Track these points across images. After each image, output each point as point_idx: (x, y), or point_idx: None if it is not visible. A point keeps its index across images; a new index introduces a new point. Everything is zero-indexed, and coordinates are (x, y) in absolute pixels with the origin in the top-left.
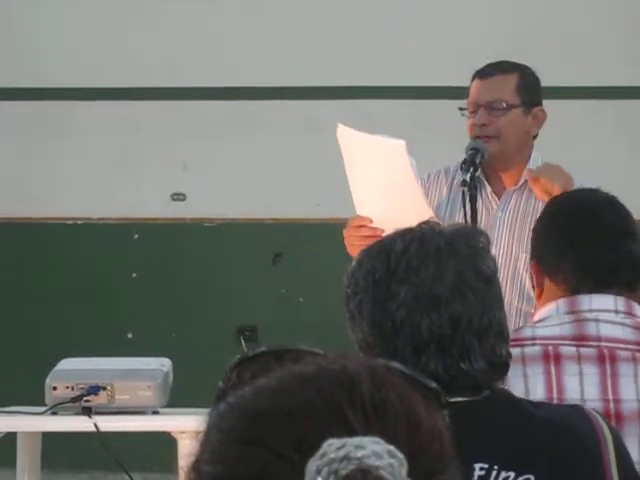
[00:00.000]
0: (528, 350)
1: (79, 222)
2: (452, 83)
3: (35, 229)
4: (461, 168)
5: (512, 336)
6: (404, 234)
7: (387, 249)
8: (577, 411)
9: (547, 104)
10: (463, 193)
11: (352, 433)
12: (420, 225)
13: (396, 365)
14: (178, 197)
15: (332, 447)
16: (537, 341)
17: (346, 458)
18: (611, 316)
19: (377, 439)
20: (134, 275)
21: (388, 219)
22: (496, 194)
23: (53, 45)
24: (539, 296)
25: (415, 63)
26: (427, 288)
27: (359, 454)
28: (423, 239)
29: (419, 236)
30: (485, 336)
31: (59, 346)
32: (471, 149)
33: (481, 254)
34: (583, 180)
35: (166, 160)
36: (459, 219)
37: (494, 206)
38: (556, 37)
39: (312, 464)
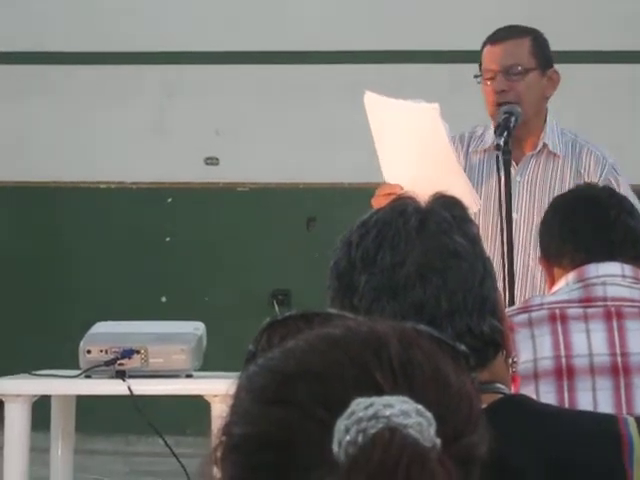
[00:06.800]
0: (535, 314)
1: (112, 186)
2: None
3: (69, 194)
4: (495, 132)
5: (522, 305)
6: (364, 222)
7: (348, 240)
8: (601, 423)
9: (562, 68)
10: (497, 157)
11: (380, 393)
12: (392, 203)
13: (425, 328)
14: (211, 161)
15: (360, 406)
16: (545, 306)
17: (374, 417)
18: (618, 280)
19: (405, 398)
20: (167, 239)
21: (420, 185)
22: (515, 160)
23: (85, 9)
24: (551, 287)
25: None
26: (386, 276)
27: (387, 412)
28: (381, 225)
29: (380, 221)
30: (458, 315)
31: (93, 310)
32: (505, 112)
33: (449, 229)
34: (597, 142)
35: (199, 125)
36: (491, 185)
37: (513, 172)
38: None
39: (340, 423)
